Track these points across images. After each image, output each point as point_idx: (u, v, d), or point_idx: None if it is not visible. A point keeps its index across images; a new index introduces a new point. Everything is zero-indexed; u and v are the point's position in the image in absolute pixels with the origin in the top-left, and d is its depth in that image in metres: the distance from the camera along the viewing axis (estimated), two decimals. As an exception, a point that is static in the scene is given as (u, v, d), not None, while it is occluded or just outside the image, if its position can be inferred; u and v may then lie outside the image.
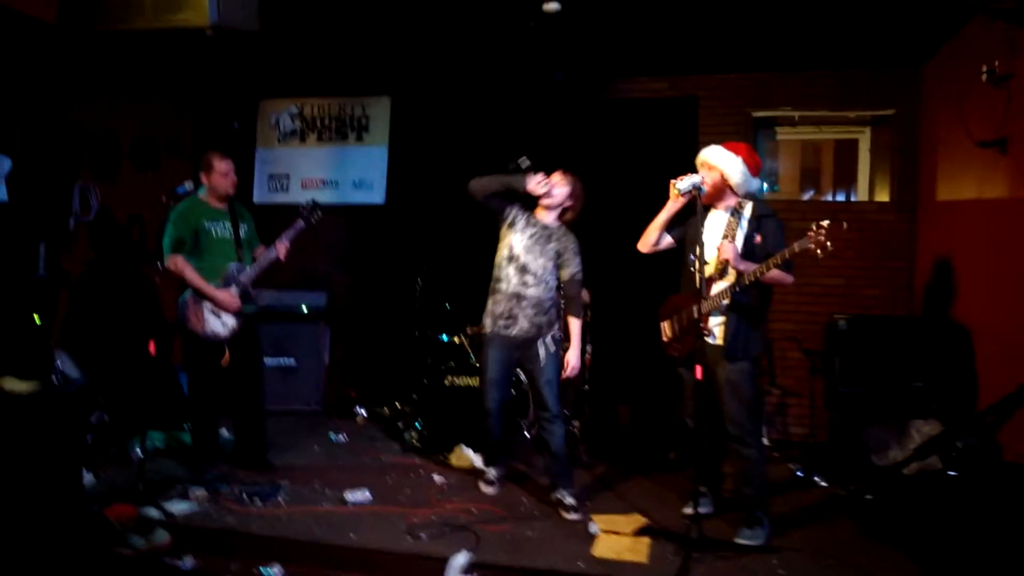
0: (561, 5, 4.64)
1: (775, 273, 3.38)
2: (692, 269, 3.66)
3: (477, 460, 4.69)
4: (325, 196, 6.66)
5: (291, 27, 5.27)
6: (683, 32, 5.15)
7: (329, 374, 6.26)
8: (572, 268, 4.05)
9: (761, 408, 5.21)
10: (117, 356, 5.07)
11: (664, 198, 3.75)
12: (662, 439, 5.28)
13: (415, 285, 5.61)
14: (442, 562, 3.15)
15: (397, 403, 5.97)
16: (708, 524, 3.57)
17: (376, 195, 6.69)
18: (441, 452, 4.93)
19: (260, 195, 6.92)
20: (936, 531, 3.46)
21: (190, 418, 4.58)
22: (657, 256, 3.97)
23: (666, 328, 3.85)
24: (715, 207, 3.72)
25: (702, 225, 3.54)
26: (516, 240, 4.07)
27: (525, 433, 5.02)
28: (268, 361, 5.74)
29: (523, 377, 4.92)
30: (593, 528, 3.63)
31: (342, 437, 5.38)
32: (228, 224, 4.31)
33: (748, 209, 3.62)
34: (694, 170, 3.73)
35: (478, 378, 4.99)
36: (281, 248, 4.28)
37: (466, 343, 5.38)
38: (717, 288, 3.55)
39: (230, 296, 4.18)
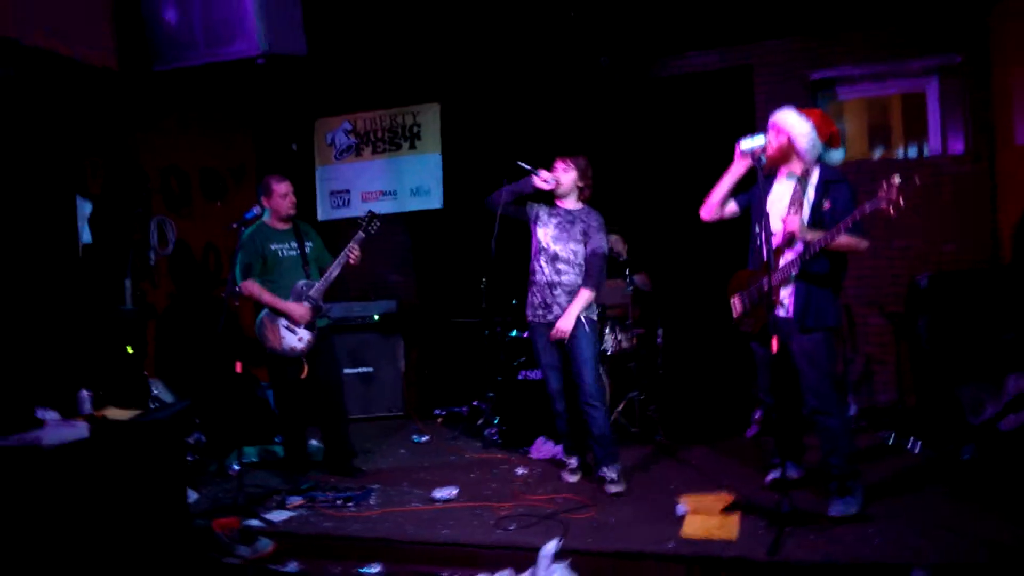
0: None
1: (845, 239, 3.27)
2: (759, 242, 3.57)
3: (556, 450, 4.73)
4: (385, 206, 6.82)
5: (337, 45, 5.41)
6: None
7: (406, 378, 6.40)
8: (594, 243, 4.09)
9: (843, 377, 5.08)
10: (207, 379, 5.32)
11: (722, 171, 3.69)
12: (740, 416, 5.21)
13: (480, 284, 5.67)
14: (533, 551, 3.19)
15: (475, 402, 6.05)
16: (797, 496, 3.52)
17: (434, 200, 6.80)
18: (521, 446, 4.99)
19: (323, 212, 7.13)
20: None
21: (280, 431, 4.77)
22: (722, 231, 3.91)
23: (736, 303, 3.78)
24: (781, 174, 3.60)
25: (766, 194, 3.48)
26: (543, 233, 4.18)
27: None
28: (347, 371, 5.93)
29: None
30: (681, 509, 3.61)
31: (425, 438, 5.50)
32: (294, 243, 4.46)
33: (815, 175, 3.48)
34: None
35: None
36: (352, 255, 4.40)
37: (529, 335, 5.41)
38: (786, 259, 3.47)
39: (300, 307, 4.33)
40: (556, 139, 5.83)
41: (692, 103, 5.94)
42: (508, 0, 4.90)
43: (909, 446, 4.43)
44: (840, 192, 3.40)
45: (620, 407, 5.08)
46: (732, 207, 3.77)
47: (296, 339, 4.36)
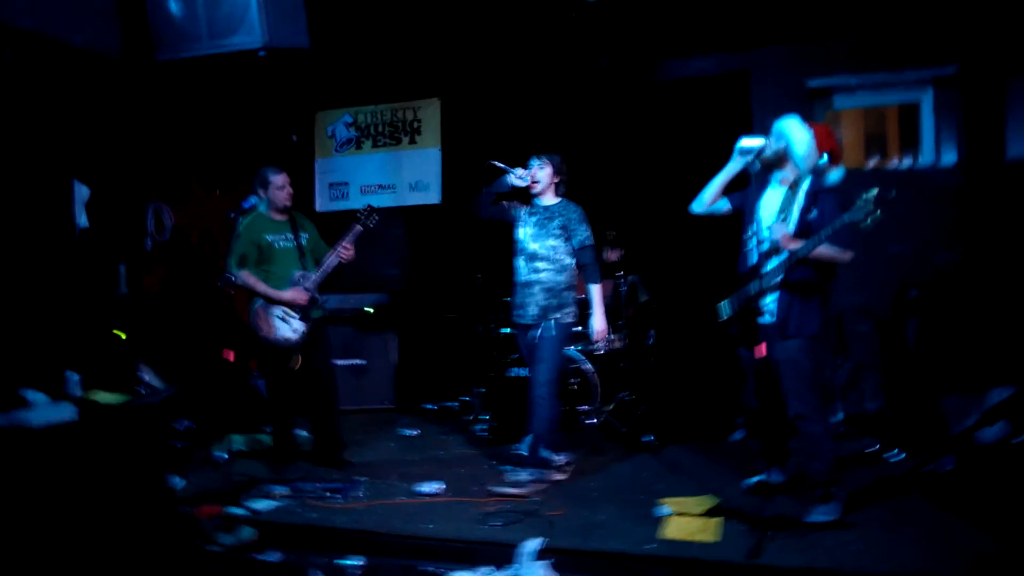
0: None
1: (824, 250, 3.28)
2: (748, 246, 3.61)
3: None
4: (383, 200, 6.83)
5: (340, 39, 5.42)
6: (730, 4, 5.06)
7: (398, 372, 6.41)
8: (580, 236, 4.09)
9: (829, 383, 5.09)
10: (198, 366, 5.33)
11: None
12: (727, 419, 5.24)
13: (475, 280, 5.70)
14: (516, 548, 3.21)
15: (465, 396, 6.07)
16: (779, 501, 3.54)
17: (432, 195, 6.82)
18: (510, 442, 5.00)
19: (322, 204, 7.14)
20: (1013, 501, 3.34)
21: (269, 420, 4.79)
22: (716, 234, 3.94)
23: (724, 307, 3.81)
24: (774, 180, 3.63)
25: (758, 199, 3.51)
26: (523, 232, 4.19)
27: (594, 419, 5.05)
28: (339, 362, 5.94)
29: (587, 365, 4.96)
30: (663, 511, 3.63)
31: (414, 432, 5.52)
32: (290, 234, 4.48)
33: (806, 184, 3.52)
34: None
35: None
36: (344, 252, 4.42)
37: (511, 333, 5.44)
38: (772, 265, 3.50)
39: (297, 292, 4.34)
40: (554, 136, 5.85)
41: (690, 107, 5.96)
42: (513, 1, 4.92)
43: (893, 454, 4.45)
44: (827, 202, 3.42)
45: (610, 407, 5.10)
46: (724, 204, 3.78)
47: (291, 329, 4.37)
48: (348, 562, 3.32)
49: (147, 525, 3.15)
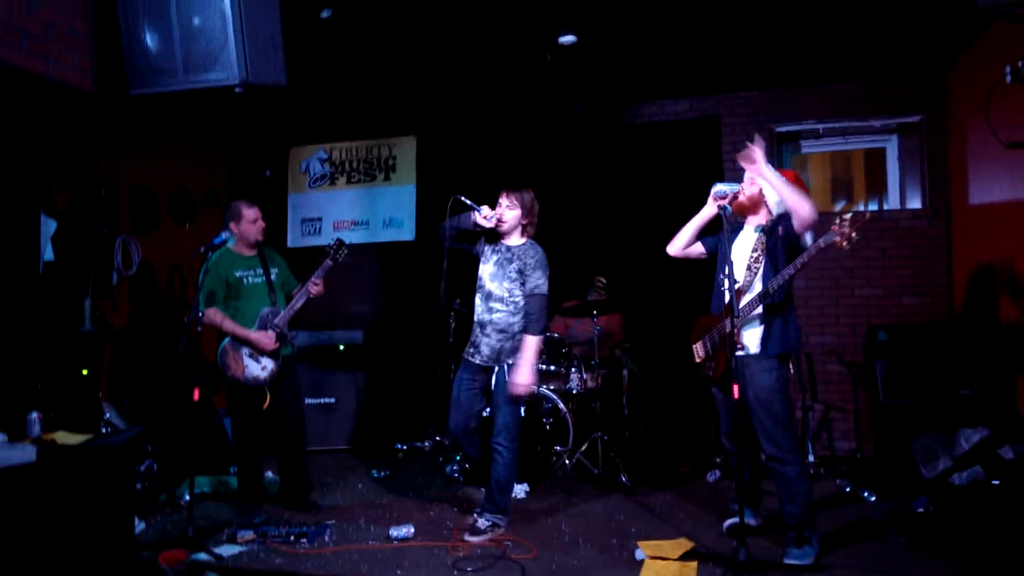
0: (577, 37, 4.72)
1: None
2: (722, 288, 3.65)
3: (519, 490, 4.70)
4: (357, 236, 6.81)
5: (317, 75, 5.44)
6: (701, 52, 5.20)
7: (368, 411, 6.32)
8: (532, 282, 3.90)
9: (798, 425, 5.13)
10: (162, 405, 5.20)
11: (691, 215, 3.79)
12: (701, 461, 5.23)
13: (448, 320, 5.66)
14: (488, 595, 3.15)
15: (437, 437, 5.99)
16: (754, 544, 3.52)
17: (406, 232, 6.81)
18: (482, 483, 4.93)
19: (293, 239, 7.09)
20: (986, 543, 3.36)
21: (235, 461, 4.66)
22: (689, 276, 3.98)
23: (698, 349, 3.85)
24: (748, 224, 3.72)
25: (731, 243, 3.56)
26: (483, 269, 4.09)
27: (567, 460, 5.01)
28: (308, 400, 5.85)
29: (560, 404, 4.94)
30: (639, 554, 3.60)
31: (384, 473, 5.42)
32: (259, 270, 4.42)
33: (780, 229, 3.58)
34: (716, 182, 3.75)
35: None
36: (313, 288, 4.37)
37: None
38: (745, 300, 3.54)
39: (265, 337, 4.27)
40: (529, 176, 5.90)
41: (662, 149, 6.07)
42: (488, 41, 4.99)
43: (865, 496, 4.48)
44: (788, 221, 3.48)
45: (583, 448, 5.07)
46: (699, 248, 3.88)
47: (259, 368, 4.30)
48: (316, 610, 3.22)
49: (108, 571, 3.03)
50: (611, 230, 6.07)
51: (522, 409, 4.13)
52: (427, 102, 6.28)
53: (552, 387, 5.12)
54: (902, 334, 5.14)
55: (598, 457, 5.05)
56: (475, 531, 3.92)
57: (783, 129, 6.01)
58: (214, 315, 4.26)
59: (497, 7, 4.52)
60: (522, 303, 3.94)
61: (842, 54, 5.26)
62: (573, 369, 5.17)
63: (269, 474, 4.84)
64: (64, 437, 3.28)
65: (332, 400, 6.18)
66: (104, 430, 4.69)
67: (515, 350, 3.93)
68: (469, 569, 3.48)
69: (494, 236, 4.12)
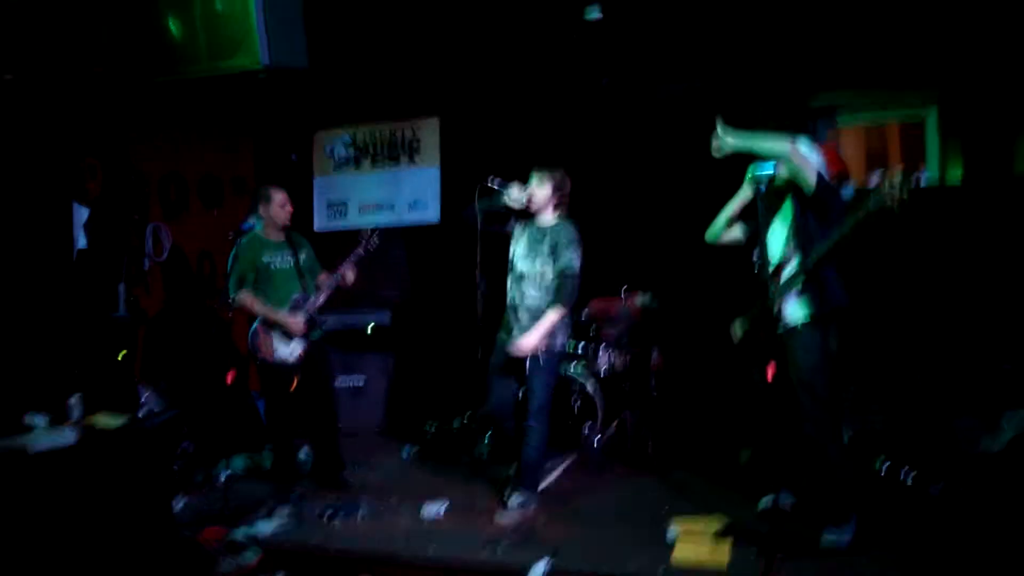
0: (602, 13, 4.65)
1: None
2: (756, 268, 3.59)
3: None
4: (381, 219, 6.82)
5: (339, 59, 5.43)
6: (731, 24, 5.07)
7: (397, 392, 6.36)
8: (563, 260, 3.84)
9: (837, 404, 5.07)
10: (197, 387, 5.28)
11: (723, 195, 3.72)
12: (736, 440, 5.19)
13: (475, 300, 5.66)
14: (522, 572, 3.17)
15: (464, 417, 6.02)
16: (790, 523, 3.50)
17: (431, 214, 6.81)
18: (511, 462, 4.95)
19: (320, 223, 7.12)
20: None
21: (269, 441, 4.74)
22: (721, 252, 3.92)
23: (737, 328, 3.78)
24: (785, 205, 3.61)
25: (769, 223, 3.50)
26: (516, 251, 4.06)
27: (594, 440, 5.01)
28: (338, 382, 5.90)
29: (588, 383, 4.92)
30: (672, 532, 3.58)
31: (414, 452, 5.47)
32: (288, 255, 4.45)
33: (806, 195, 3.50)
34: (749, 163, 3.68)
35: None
36: (347, 275, 4.40)
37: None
38: (784, 274, 3.46)
39: (296, 320, 4.31)
40: (554, 155, 5.84)
41: (691, 125, 5.96)
42: (511, 18, 4.93)
43: (903, 475, 4.40)
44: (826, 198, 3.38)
45: (612, 427, 5.06)
46: (736, 233, 3.78)
47: (289, 350, 4.34)
48: (351, 587, 3.27)
49: (149, 550, 3.10)
50: (639, 208, 6.00)
51: (553, 389, 4.10)
52: (450, 83, 6.24)
53: (581, 366, 5.10)
54: (941, 309, 5.03)
55: (628, 436, 5.04)
56: (506, 510, 3.93)
57: (818, 103, 5.86)
58: (245, 298, 4.31)
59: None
60: (554, 284, 3.89)
61: (882, 21, 5.07)
62: (601, 348, 5.15)
63: (302, 453, 4.91)
64: (103, 420, 3.34)
65: (361, 382, 6.23)
66: (141, 412, 4.79)
67: (549, 335, 3.90)
68: (500, 547, 3.50)
69: (526, 215, 4.06)
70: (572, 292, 3.86)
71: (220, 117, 6.32)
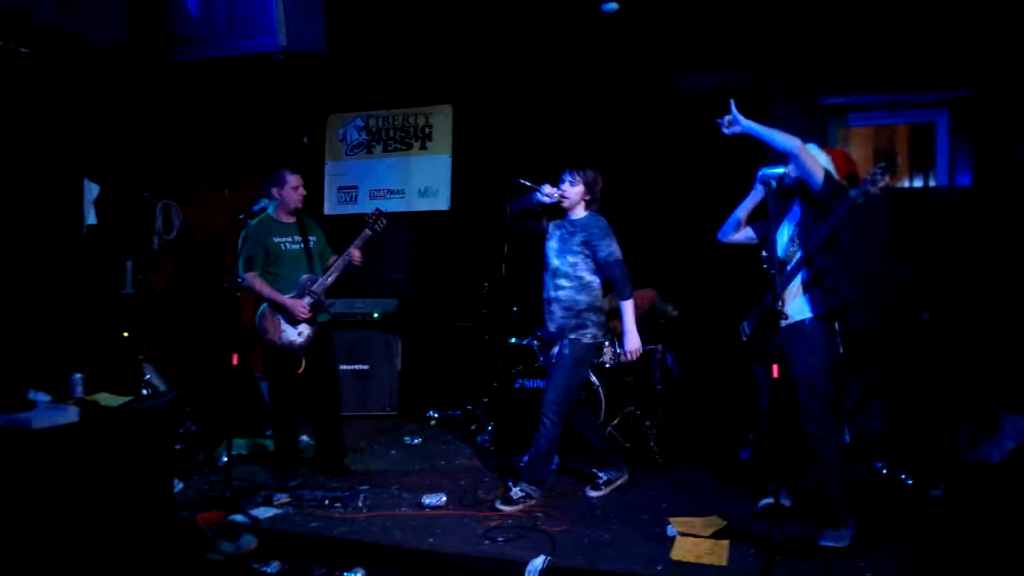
0: (619, 4, 4.60)
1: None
2: (764, 266, 3.58)
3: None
4: (392, 205, 6.81)
5: (356, 43, 5.40)
6: (745, 20, 5.03)
7: (402, 378, 6.37)
8: (603, 251, 3.95)
9: (840, 404, 5.05)
10: (201, 368, 5.29)
11: (734, 191, 3.70)
12: (735, 437, 5.17)
13: (483, 289, 5.66)
14: (520, 566, 3.16)
15: (469, 406, 6.02)
16: (789, 523, 3.48)
17: (441, 202, 6.79)
18: (514, 454, 4.96)
19: (330, 207, 7.12)
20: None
21: (272, 425, 4.74)
22: (730, 250, 3.90)
23: (745, 327, 3.79)
24: (794, 206, 3.61)
25: (777, 224, 3.49)
26: (549, 247, 4.13)
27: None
28: (343, 367, 5.90)
29: (592, 377, 4.91)
30: (671, 531, 3.58)
31: (417, 440, 5.47)
32: (298, 237, 4.45)
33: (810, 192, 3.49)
34: (763, 161, 3.65)
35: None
36: (354, 254, 4.39)
37: (534, 346, 5.39)
38: (787, 270, 3.46)
39: (300, 305, 4.30)
40: (567, 147, 5.81)
41: (704, 120, 5.91)
42: (528, 9, 4.89)
43: (902, 478, 4.39)
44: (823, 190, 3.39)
45: (615, 422, 5.04)
46: (747, 233, 3.81)
47: (296, 333, 4.34)
48: (347, 574, 3.26)
49: (147, 530, 3.10)
50: (650, 202, 5.96)
51: (578, 384, 4.12)
52: (465, 71, 6.20)
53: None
54: (946, 314, 5.00)
55: (630, 432, 5.02)
56: (507, 500, 3.95)
57: (830, 101, 5.81)
58: (253, 279, 4.31)
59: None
60: (588, 278, 3.99)
61: (895, 24, 5.04)
62: (607, 342, 5.13)
63: (304, 438, 4.91)
64: (106, 399, 3.34)
65: (366, 367, 6.24)
66: (145, 391, 4.80)
67: (579, 327, 3.97)
68: (500, 539, 3.50)
69: (558, 213, 4.14)
70: (624, 278, 3.96)
71: (234, 97, 6.30)
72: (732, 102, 3.44)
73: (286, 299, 4.29)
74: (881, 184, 3.19)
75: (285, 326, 4.32)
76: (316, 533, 3.60)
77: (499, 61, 5.94)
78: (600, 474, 4.26)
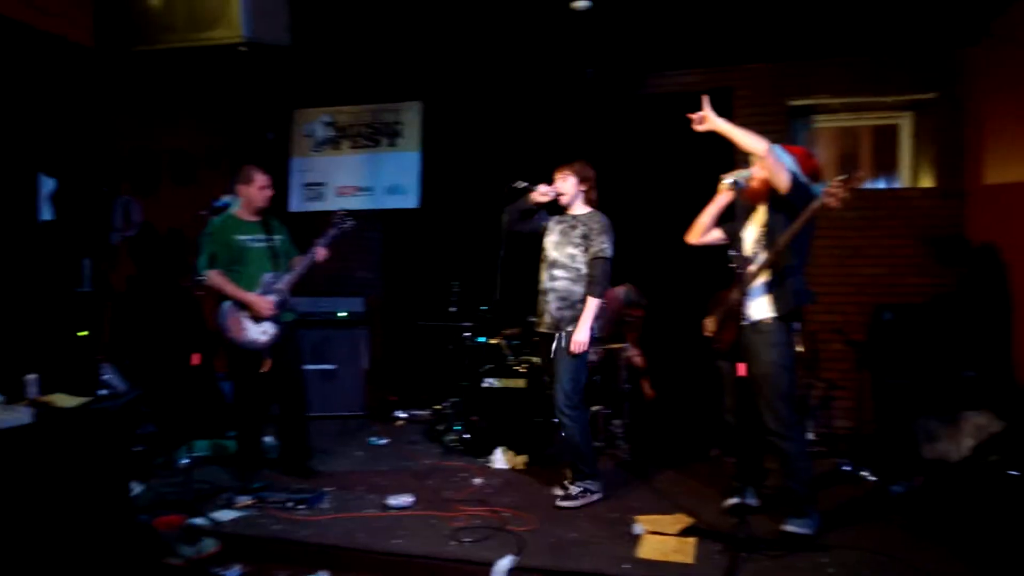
0: (591, 2, 4.60)
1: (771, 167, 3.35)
2: (732, 265, 3.63)
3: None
4: (360, 203, 6.73)
5: (322, 37, 5.32)
6: (715, 22, 5.07)
7: (369, 378, 6.30)
8: (596, 246, 4.00)
9: (802, 400, 5.11)
10: (162, 367, 5.17)
11: (703, 191, 3.75)
12: (704, 436, 5.21)
13: (451, 287, 5.62)
14: (486, 567, 3.14)
15: (436, 406, 5.98)
16: (755, 521, 3.51)
17: (410, 200, 6.73)
18: (482, 455, 4.93)
19: (296, 204, 7.01)
20: (987, 527, 3.35)
21: (234, 426, 4.65)
22: (706, 252, 3.95)
23: (709, 323, 3.84)
24: (760, 205, 3.65)
25: (743, 223, 3.53)
26: (548, 241, 4.16)
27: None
28: (309, 367, 5.82)
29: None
30: (638, 529, 3.59)
31: (383, 441, 5.42)
32: (262, 236, 4.38)
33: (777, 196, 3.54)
34: (731, 162, 3.70)
35: (516, 380, 4.99)
36: (320, 252, 4.34)
37: (503, 345, 5.37)
38: (751, 270, 3.52)
39: (264, 301, 4.23)
40: (537, 145, 5.80)
41: (673, 120, 5.93)
42: (498, 5, 4.86)
43: (865, 474, 4.46)
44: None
45: (583, 421, 5.04)
46: (717, 234, 3.87)
47: (260, 331, 4.26)
48: (313, 577, 3.21)
49: (104, 535, 3.02)
50: (618, 200, 5.97)
51: (584, 375, 4.12)
52: (434, 68, 6.15)
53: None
54: (908, 314, 5.09)
55: (599, 430, 5.03)
56: (568, 496, 3.98)
57: (796, 102, 5.90)
58: (215, 277, 4.22)
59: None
60: (584, 270, 4.01)
61: (859, 28, 5.13)
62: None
63: (268, 439, 4.83)
64: (62, 399, 3.25)
65: (332, 367, 6.16)
66: (103, 391, 4.67)
67: (575, 318, 3.98)
68: (467, 540, 3.47)
69: (559, 209, 4.18)
70: (604, 276, 3.99)
71: (196, 91, 6.17)
72: (706, 99, 3.45)
73: (250, 295, 4.22)
74: (841, 196, 3.24)
75: (248, 324, 4.24)
76: (279, 536, 3.54)
77: (469, 58, 5.90)
78: (576, 486, 4.13)
